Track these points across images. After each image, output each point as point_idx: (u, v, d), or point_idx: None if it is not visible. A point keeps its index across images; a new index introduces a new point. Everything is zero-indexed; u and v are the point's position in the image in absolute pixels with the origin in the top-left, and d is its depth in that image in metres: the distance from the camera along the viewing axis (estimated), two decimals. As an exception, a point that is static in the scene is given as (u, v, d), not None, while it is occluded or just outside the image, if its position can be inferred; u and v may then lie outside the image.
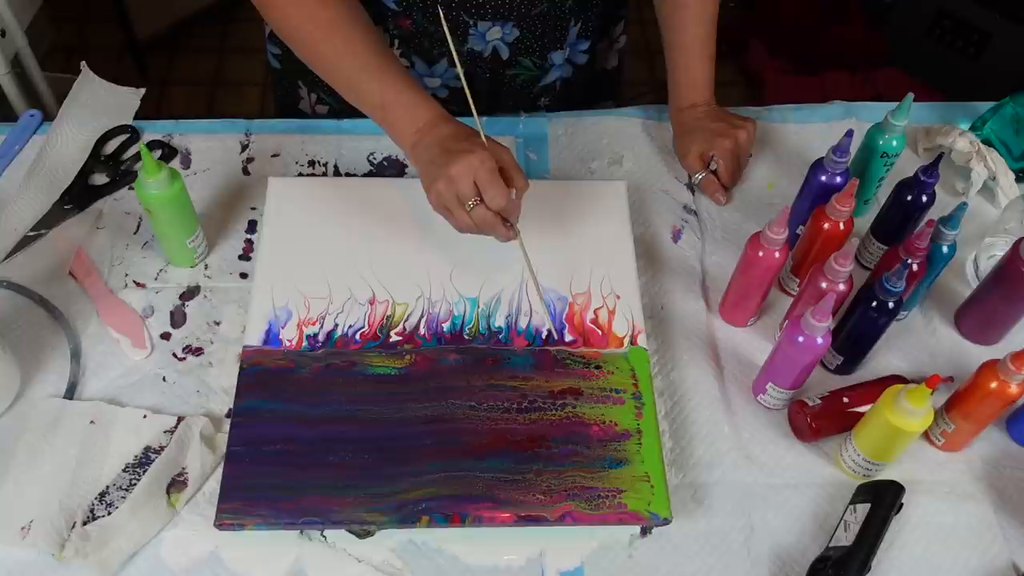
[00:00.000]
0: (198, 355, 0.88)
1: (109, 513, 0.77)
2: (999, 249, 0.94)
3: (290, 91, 1.15)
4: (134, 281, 0.93)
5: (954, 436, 0.83)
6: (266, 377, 0.82)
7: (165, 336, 0.89)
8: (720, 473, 0.83)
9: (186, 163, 1.03)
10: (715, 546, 0.79)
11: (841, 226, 0.86)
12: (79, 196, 0.98)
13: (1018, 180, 1.04)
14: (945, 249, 0.85)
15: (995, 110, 1.07)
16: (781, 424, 0.86)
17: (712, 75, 1.02)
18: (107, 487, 0.78)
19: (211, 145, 1.05)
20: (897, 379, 0.86)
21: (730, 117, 1.02)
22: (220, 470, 0.78)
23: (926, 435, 0.85)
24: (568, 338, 0.86)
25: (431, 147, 0.82)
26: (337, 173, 1.03)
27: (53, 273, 0.92)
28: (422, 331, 0.86)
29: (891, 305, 0.80)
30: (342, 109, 1.10)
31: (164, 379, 0.86)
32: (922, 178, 0.88)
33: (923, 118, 1.11)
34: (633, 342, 0.86)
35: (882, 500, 0.78)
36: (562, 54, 1.08)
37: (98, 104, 1.06)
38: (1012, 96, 1.07)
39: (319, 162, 1.04)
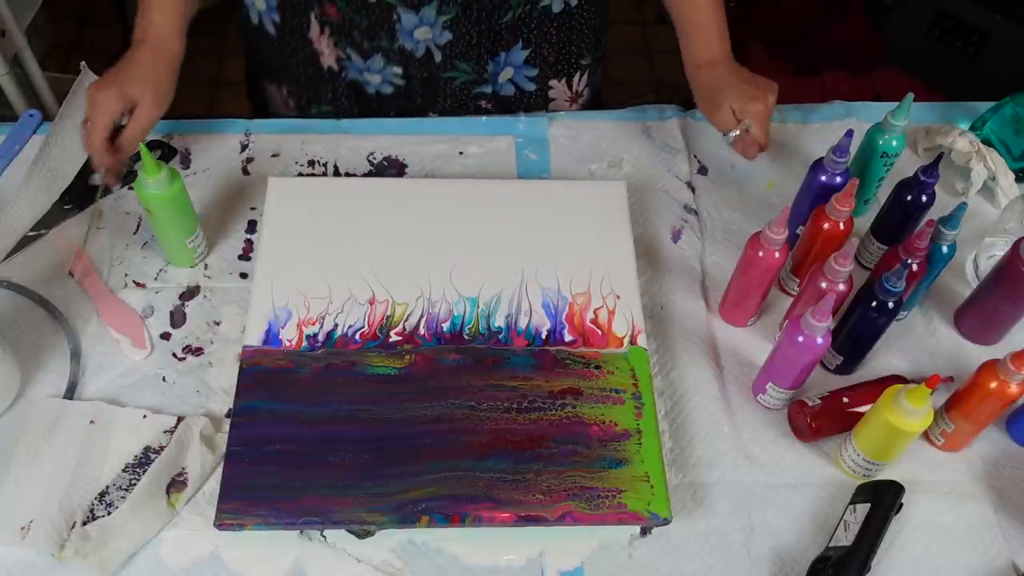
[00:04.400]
0: (198, 355, 0.88)
1: (109, 513, 0.77)
2: (999, 249, 0.94)
3: (258, 90, 1.17)
4: (134, 281, 0.93)
5: (954, 436, 0.83)
6: (266, 377, 0.82)
7: (165, 336, 0.89)
8: (720, 473, 0.83)
9: (186, 163, 1.03)
10: (715, 546, 0.79)
11: (841, 226, 0.86)
12: (79, 196, 0.98)
13: (1018, 180, 1.04)
14: (945, 249, 0.85)
15: (995, 110, 1.07)
16: (781, 424, 0.86)
17: (726, 32, 1.00)
18: (107, 487, 0.78)
19: (211, 145, 1.05)
20: (897, 379, 0.86)
21: (756, 79, 0.99)
22: (220, 470, 0.78)
23: (926, 435, 0.85)
24: (568, 338, 0.86)
25: (123, 60, 0.96)
26: (337, 173, 1.03)
27: (53, 273, 0.92)
28: (422, 331, 0.86)
29: (891, 305, 0.80)
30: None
31: (164, 379, 0.86)
32: (922, 178, 0.88)
33: (923, 118, 1.11)
34: (633, 342, 0.86)
35: (882, 500, 0.78)
36: (497, 65, 1.07)
37: (98, 104, 1.06)
38: (1012, 96, 1.07)
39: (319, 162, 1.04)
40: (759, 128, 0.96)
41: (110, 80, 0.93)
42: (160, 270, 0.94)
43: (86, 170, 1.00)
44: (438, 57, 1.03)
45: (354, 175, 1.03)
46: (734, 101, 0.96)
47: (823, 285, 0.81)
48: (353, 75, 1.07)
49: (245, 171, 1.03)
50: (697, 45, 1.00)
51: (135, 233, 0.97)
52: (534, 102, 1.12)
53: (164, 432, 0.82)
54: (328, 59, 1.06)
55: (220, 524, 0.74)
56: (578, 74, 1.12)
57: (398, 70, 1.05)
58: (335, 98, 1.10)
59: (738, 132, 0.96)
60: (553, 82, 1.11)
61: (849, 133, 0.87)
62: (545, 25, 1.05)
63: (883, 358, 0.90)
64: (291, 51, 1.07)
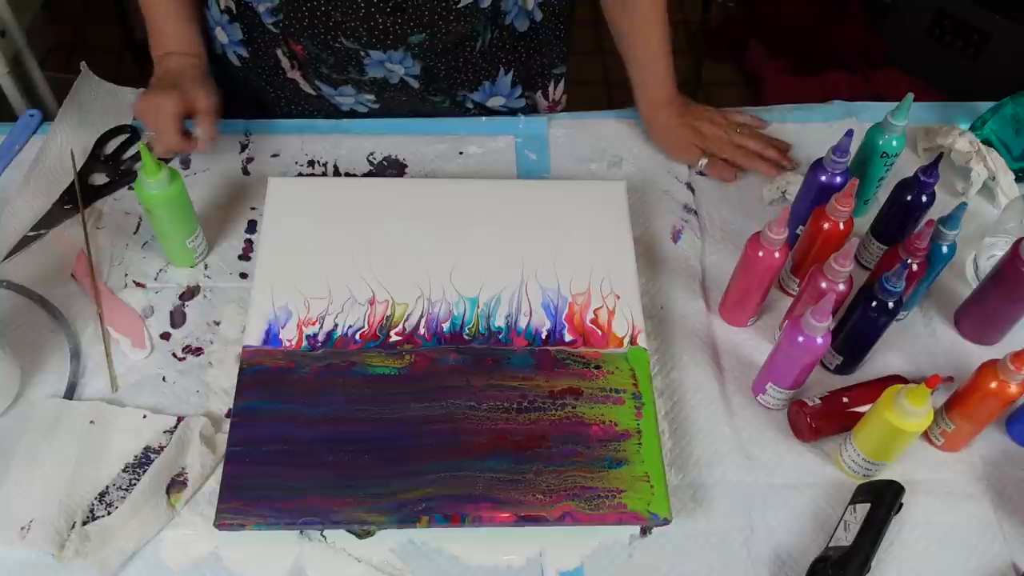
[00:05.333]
0: (198, 355, 0.88)
1: (109, 513, 0.77)
2: (999, 249, 0.94)
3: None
4: (134, 281, 0.93)
5: (954, 436, 0.83)
6: (266, 377, 0.82)
7: (165, 336, 0.89)
8: (720, 473, 0.83)
9: (186, 163, 1.03)
10: (715, 546, 0.79)
11: (841, 226, 0.86)
12: (79, 196, 0.98)
13: (1018, 180, 1.04)
14: (945, 249, 0.85)
15: (995, 110, 1.07)
16: (781, 424, 0.86)
17: (673, 69, 1.03)
18: (107, 487, 0.78)
19: (211, 145, 1.04)
20: (897, 379, 0.86)
21: (702, 112, 1.05)
22: (220, 470, 0.78)
23: (926, 435, 0.85)
24: (568, 338, 0.86)
25: (156, 73, 0.99)
26: (337, 173, 1.03)
27: (53, 273, 0.92)
28: (422, 331, 0.86)
29: (891, 305, 0.80)
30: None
31: (164, 379, 0.86)
32: (922, 178, 0.88)
33: (923, 118, 1.11)
34: (633, 342, 0.86)
35: (882, 500, 0.78)
36: (482, 94, 1.08)
37: (98, 104, 1.06)
38: (1012, 96, 1.07)
39: (319, 162, 1.04)
40: (732, 152, 1.03)
41: (154, 90, 0.94)
42: (160, 270, 0.94)
43: (86, 170, 1.00)
44: (416, 84, 1.04)
45: (354, 175, 1.03)
46: (697, 141, 1.04)
47: (823, 285, 0.81)
48: (326, 97, 1.08)
49: (245, 171, 1.03)
50: (652, 87, 1.04)
51: (135, 233, 0.97)
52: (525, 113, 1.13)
53: (164, 432, 0.82)
54: (306, 87, 1.07)
55: (220, 524, 0.74)
56: (552, 83, 1.14)
57: (371, 96, 1.06)
58: (320, 114, 1.11)
59: (706, 160, 1.03)
60: (528, 93, 1.13)
61: (849, 133, 0.87)
62: (512, 43, 1.06)
63: (883, 358, 0.90)
64: (266, 80, 1.08)
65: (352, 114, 1.10)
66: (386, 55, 0.99)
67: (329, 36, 0.97)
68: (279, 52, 1.03)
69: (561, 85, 1.15)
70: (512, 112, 1.12)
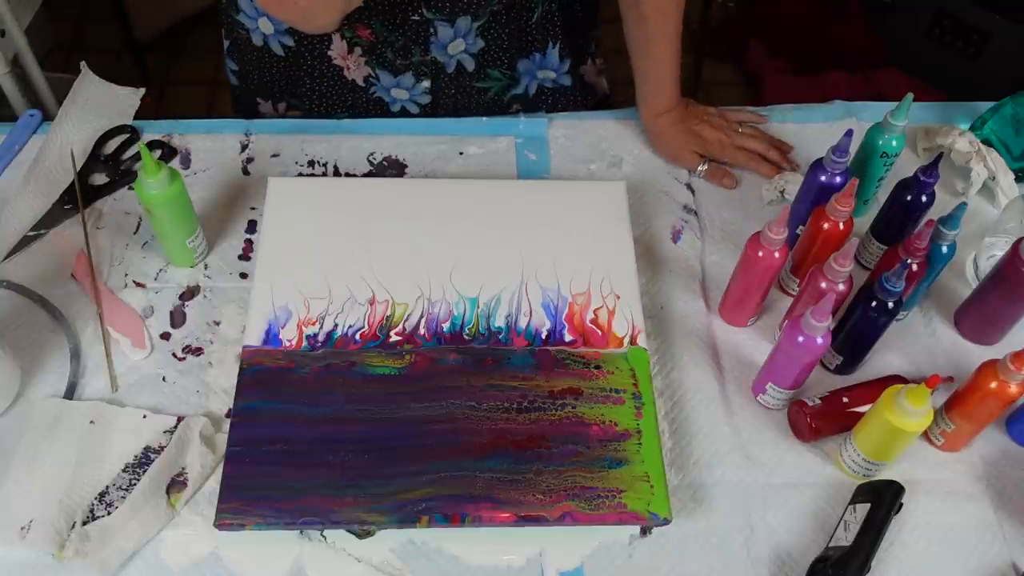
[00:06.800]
0: (198, 355, 0.88)
1: (109, 513, 0.77)
2: (999, 249, 0.94)
3: (250, 108, 1.16)
4: (134, 281, 0.93)
5: (954, 436, 0.83)
6: (266, 377, 0.82)
7: (165, 336, 0.89)
8: (720, 473, 0.83)
9: (186, 163, 1.03)
10: (715, 546, 0.79)
11: (841, 226, 0.86)
12: (79, 196, 0.98)
13: (1018, 180, 1.04)
14: (945, 249, 0.85)
15: (995, 110, 1.07)
16: (781, 424, 0.86)
17: (679, 76, 1.03)
18: (107, 487, 0.78)
19: (211, 145, 1.05)
20: (897, 379, 0.87)
21: (703, 114, 1.06)
22: (220, 470, 0.78)
23: (926, 435, 0.85)
24: (568, 338, 0.86)
25: None
26: (337, 173, 1.03)
27: (53, 273, 0.92)
28: (422, 331, 0.86)
29: (891, 305, 0.80)
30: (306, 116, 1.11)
31: (164, 379, 0.86)
32: (922, 178, 0.88)
33: (923, 118, 1.11)
34: (633, 342, 0.86)
35: (882, 500, 0.78)
36: (532, 64, 1.09)
37: (98, 104, 1.06)
38: (1012, 96, 1.07)
39: (319, 162, 1.04)
40: (734, 154, 1.04)
41: None
42: (160, 270, 0.94)
43: (86, 170, 1.00)
44: (471, 66, 1.05)
45: (354, 175, 1.03)
46: (697, 146, 1.04)
47: (823, 285, 0.81)
48: (380, 93, 1.08)
49: (245, 171, 1.03)
50: (655, 98, 1.04)
51: (135, 233, 0.97)
52: (571, 96, 1.14)
53: (164, 432, 0.82)
54: (353, 73, 1.06)
55: (220, 524, 0.74)
56: (593, 44, 1.16)
57: (427, 84, 1.06)
58: (353, 106, 1.10)
59: (705, 167, 1.04)
60: (584, 68, 1.13)
61: (849, 133, 0.87)
62: (571, 16, 1.07)
63: (883, 358, 0.90)
64: (306, 71, 1.07)
65: (381, 113, 1.09)
66: (454, 29, 0.99)
67: (410, 8, 0.96)
68: (336, 36, 1.02)
69: (594, 44, 1.17)
70: (560, 88, 1.13)
